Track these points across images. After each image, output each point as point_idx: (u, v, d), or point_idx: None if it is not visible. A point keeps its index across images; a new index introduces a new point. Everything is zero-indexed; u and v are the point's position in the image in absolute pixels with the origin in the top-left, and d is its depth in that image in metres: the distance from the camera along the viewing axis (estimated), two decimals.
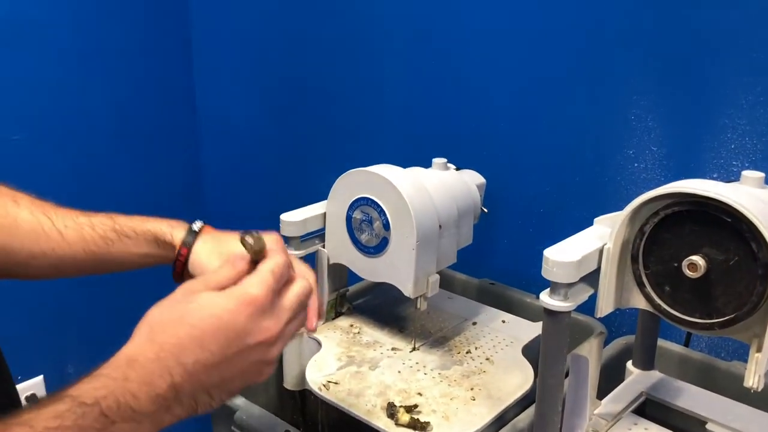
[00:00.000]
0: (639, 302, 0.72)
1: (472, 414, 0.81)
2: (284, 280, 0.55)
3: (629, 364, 0.92)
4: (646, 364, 0.91)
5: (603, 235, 0.74)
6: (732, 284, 0.64)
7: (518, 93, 1.15)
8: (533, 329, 1.00)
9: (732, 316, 0.64)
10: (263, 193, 1.68)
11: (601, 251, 0.71)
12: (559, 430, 0.75)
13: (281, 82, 1.54)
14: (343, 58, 1.39)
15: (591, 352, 0.76)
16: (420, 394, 0.85)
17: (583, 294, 0.71)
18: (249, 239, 0.56)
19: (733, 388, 0.90)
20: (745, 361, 0.94)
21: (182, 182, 1.73)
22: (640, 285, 0.70)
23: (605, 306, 0.72)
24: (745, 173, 0.71)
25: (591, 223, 1.13)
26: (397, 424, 0.79)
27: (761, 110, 0.92)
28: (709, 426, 0.81)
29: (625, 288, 0.73)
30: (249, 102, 1.62)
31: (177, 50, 1.66)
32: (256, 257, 0.56)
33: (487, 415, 0.81)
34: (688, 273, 0.65)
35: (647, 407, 0.86)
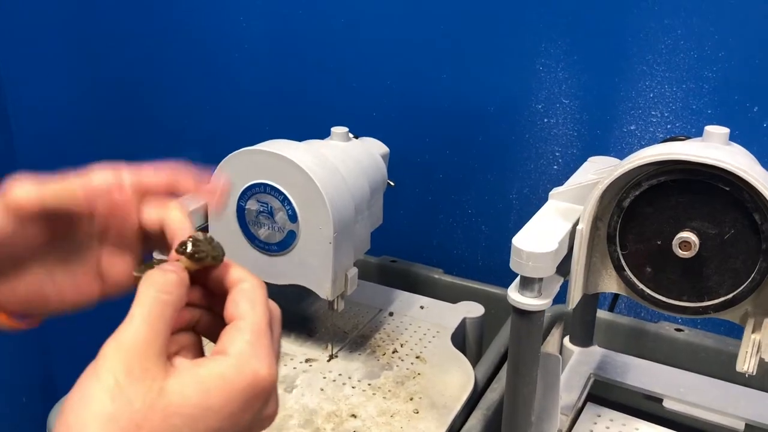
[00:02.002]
0: (610, 286, 0.62)
1: None
2: None
3: (566, 341, 0.84)
4: (586, 340, 0.83)
5: (565, 212, 0.63)
6: (726, 261, 0.56)
7: (404, 43, 1.01)
8: (456, 313, 0.89)
9: (729, 297, 0.56)
10: None
11: (572, 233, 0.60)
12: None
13: (116, 46, 1.27)
14: (188, 19, 1.17)
15: (555, 346, 0.66)
16: (354, 415, 0.71)
17: (555, 285, 0.60)
18: (201, 243, 0.36)
19: (663, 351, 0.86)
20: (671, 320, 0.91)
21: None
22: (618, 268, 0.60)
23: (576, 294, 0.62)
24: (710, 129, 0.62)
25: (498, 187, 1.05)
26: None
27: (681, 55, 0.85)
28: (665, 403, 0.75)
29: (593, 271, 0.63)
30: (68, 78, 1.33)
31: None
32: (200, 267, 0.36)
33: (437, 430, 0.69)
34: (680, 253, 0.56)
35: (596, 389, 0.79)
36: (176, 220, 0.38)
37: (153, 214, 0.39)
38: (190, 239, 0.36)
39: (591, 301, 0.82)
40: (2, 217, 0.36)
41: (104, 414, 0.29)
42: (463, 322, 0.88)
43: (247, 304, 0.34)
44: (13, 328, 0.40)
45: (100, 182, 0.39)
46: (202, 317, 0.38)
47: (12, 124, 1.38)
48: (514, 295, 0.58)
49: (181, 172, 0.41)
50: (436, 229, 1.08)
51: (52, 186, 0.37)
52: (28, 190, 0.36)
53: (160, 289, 0.33)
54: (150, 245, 0.42)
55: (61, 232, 0.39)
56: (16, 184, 0.37)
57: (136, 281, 0.34)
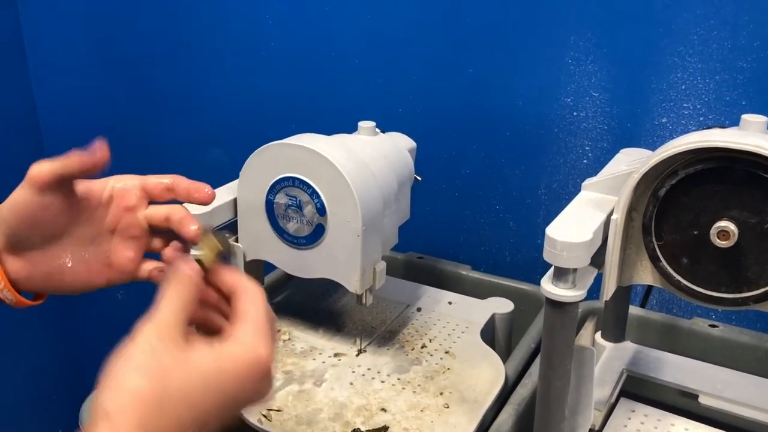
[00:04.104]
0: (645, 278, 0.61)
1: (451, 426, 0.68)
2: None
3: (598, 336, 0.83)
4: (618, 336, 0.82)
5: (599, 203, 0.62)
6: (767, 251, 0.55)
7: (430, 37, 1.01)
8: (485, 309, 0.89)
9: None
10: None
11: (606, 224, 0.59)
12: None
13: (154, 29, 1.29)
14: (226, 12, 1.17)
15: (588, 341, 0.65)
16: (384, 409, 0.70)
17: (589, 277, 0.59)
18: (214, 239, 0.47)
19: (697, 348, 0.84)
20: (704, 316, 0.89)
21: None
22: (654, 259, 0.59)
23: (611, 286, 0.61)
24: (747, 117, 0.61)
25: (526, 183, 1.03)
26: None
27: (714, 45, 0.84)
28: (701, 399, 0.74)
29: (627, 263, 0.62)
30: (94, 71, 1.35)
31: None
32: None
33: (469, 425, 0.68)
34: (719, 242, 0.55)
35: (629, 385, 0.78)
36: (181, 211, 0.50)
37: (160, 210, 0.51)
38: (212, 234, 0.48)
39: (623, 295, 0.80)
40: (27, 192, 0.46)
41: (140, 366, 0.37)
42: (492, 318, 0.87)
43: (251, 304, 0.43)
44: (21, 305, 0.50)
45: (118, 187, 0.51)
46: (209, 317, 0.47)
47: (40, 116, 1.41)
48: (548, 286, 0.57)
49: (179, 179, 0.51)
50: (463, 225, 1.08)
51: (62, 159, 0.46)
52: (43, 164, 0.46)
53: (178, 290, 0.42)
54: (153, 241, 0.53)
55: (79, 212, 0.50)
56: (35, 164, 0.46)
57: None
